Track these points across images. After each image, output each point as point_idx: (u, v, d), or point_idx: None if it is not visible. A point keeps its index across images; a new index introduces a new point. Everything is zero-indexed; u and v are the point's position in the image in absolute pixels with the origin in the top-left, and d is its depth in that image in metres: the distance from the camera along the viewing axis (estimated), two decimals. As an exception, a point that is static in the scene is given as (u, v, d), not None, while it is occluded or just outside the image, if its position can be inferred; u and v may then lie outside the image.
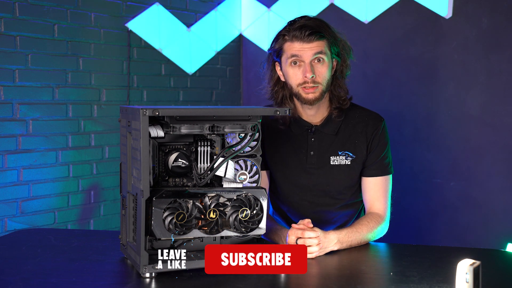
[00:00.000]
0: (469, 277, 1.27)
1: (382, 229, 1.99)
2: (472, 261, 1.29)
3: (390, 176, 2.07)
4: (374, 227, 1.95)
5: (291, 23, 1.95)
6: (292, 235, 1.77)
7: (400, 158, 3.39)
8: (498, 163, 3.15)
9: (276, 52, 1.98)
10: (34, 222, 3.18)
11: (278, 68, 2.01)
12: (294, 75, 1.94)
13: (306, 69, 1.91)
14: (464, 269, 1.28)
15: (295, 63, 1.93)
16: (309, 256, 1.74)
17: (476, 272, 1.28)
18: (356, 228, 1.89)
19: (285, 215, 2.13)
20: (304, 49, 1.91)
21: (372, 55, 3.59)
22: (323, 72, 1.93)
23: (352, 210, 2.11)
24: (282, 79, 2.01)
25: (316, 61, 1.92)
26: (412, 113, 3.43)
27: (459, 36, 3.25)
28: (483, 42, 3.17)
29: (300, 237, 1.76)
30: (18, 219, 3.12)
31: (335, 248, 1.82)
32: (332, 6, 3.72)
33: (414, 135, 3.43)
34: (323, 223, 2.05)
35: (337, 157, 2.02)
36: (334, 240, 1.81)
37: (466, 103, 3.24)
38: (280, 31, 1.97)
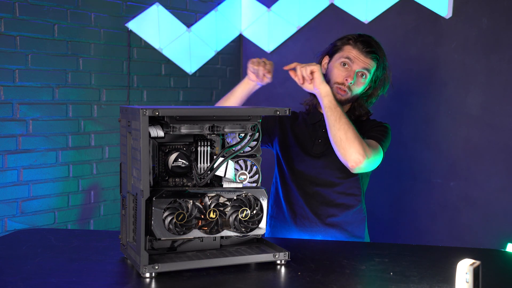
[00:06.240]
0: (469, 277, 1.27)
1: (371, 150, 2.05)
2: (472, 261, 1.29)
3: (380, 149, 2.14)
4: (361, 139, 2.04)
5: (360, 35, 2.23)
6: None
7: (400, 158, 3.39)
8: (498, 163, 3.14)
9: (334, 47, 2.25)
10: (34, 222, 3.18)
11: (325, 61, 2.28)
12: (337, 73, 2.20)
13: (350, 74, 2.17)
14: (464, 269, 1.28)
15: (344, 64, 2.19)
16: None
17: (476, 272, 1.28)
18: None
19: (287, 195, 2.26)
20: (359, 58, 2.18)
21: (372, 55, 3.58)
22: (360, 86, 2.20)
23: (350, 199, 2.23)
24: (323, 71, 2.25)
25: (360, 74, 2.19)
26: (412, 113, 3.43)
27: (459, 36, 3.24)
28: (483, 42, 3.17)
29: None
30: (18, 219, 3.12)
31: (320, 79, 2.05)
32: (332, 6, 3.72)
33: (414, 135, 3.43)
34: (322, 204, 2.21)
35: None
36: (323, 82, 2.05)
37: (466, 103, 3.23)
38: (348, 35, 2.24)
